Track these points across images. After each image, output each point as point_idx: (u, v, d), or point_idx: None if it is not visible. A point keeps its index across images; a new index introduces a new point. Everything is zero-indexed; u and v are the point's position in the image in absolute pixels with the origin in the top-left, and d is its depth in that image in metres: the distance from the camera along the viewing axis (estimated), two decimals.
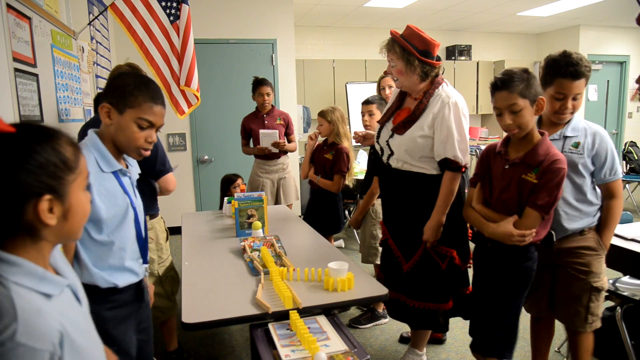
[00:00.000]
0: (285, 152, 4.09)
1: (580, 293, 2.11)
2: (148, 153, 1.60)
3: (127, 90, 1.50)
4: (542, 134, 1.91)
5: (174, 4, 3.29)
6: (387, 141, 2.35)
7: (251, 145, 4.14)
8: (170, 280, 2.73)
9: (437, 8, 6.69)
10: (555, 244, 2.11)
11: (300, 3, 6.07)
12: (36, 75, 2.42)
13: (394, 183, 2.39)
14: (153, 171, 2.38)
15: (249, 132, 4.07)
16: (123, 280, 1.61)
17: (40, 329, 0.81)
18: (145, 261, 1.75)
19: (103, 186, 1.51)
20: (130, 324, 1.67)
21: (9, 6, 2.09)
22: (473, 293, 2.20)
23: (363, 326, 3.23)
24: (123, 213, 1.58)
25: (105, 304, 1.57)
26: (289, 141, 4.10)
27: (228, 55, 5.56)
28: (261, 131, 3.90)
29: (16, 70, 2.14)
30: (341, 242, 5.16)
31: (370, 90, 6.35)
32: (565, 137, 2.08)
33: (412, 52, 2.17)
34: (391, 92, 3.54)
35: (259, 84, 3.92)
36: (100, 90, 3.33)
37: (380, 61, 8.33)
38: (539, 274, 2.05)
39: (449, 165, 2.20)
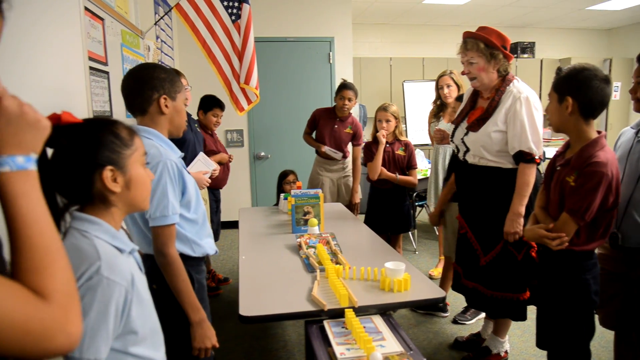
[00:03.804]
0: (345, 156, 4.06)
1: None
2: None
3: (171, 78, 1.72)
4: (598, 132, 1.81)
5: (236, 4, 3.37)
6: (462, 139, 2.45)
7: (313, 136, 4.09)
8: None
9: (499, 4, 6.47)
10: (632, 253, 1.94)
11: (358, 0, 6.05)
12: (107, 73, 2.54)
13: (471, 178, 2.49)
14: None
15: (316, 124, 4.00)
16: (213, 246, 1.87)
17: (118, 267, 1.00)
18: None
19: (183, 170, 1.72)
20: None
21: (85, 8, 2.21)
22: (538, 304, 2.13)
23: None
24: (196, 191, 1.78)
25: (202, 273, 1.85)
26: (355, 146, 4.00)
27: (286, 53, 5.62)
28: (326, 148, 3.87)
29: (90, 68, 2.26)
30: None
31: (428, 89, 6.24)
32: None
33: (496, 46, 2.30)
34: (450, 91, 3.50)
35: (343, 87, 3.82)
36: None
37: (438, 59, 8.10)
38: (610, 284, 1.94)
39: (524, 157, 2.27)
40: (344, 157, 3.99)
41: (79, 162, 1.01)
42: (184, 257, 1.67)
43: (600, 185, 1.71)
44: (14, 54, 1.53)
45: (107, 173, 1.03)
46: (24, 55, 1.61)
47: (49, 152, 0.98)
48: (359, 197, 3.97)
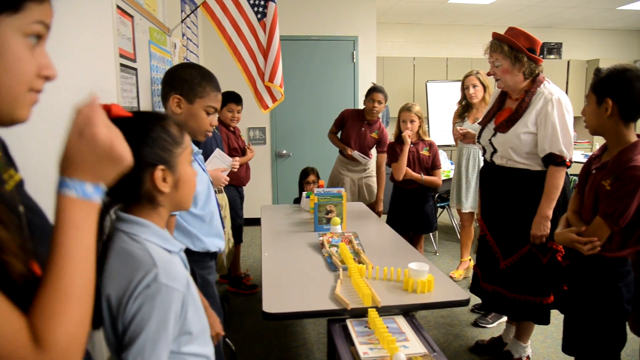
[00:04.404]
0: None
1: None
2: (211, 134, 1.83)
3: (195, 82, 1.69)
4: (638, 136, 1.77)
5: (262, 2, 3.38)
6: (490, 140, 2.42)
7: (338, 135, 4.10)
8: (227, 243, 3.06)
9: (526, 4, 6.37)
10: None
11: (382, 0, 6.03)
12: (135, 69, 2.58)
13: (497, 180, 2.45)
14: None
15: (344, 124, 4.00)
16: (218, 245, 1.85)
17: (174, 272, 0.97)
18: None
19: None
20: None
21: (117, 6, 2.25)
22: (565, 309, 2.10)
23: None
24: (207, 189, 1.77)
25: (208, 269, 1.85)
26: (379, 152, 4.01)
27: (309, 52, 5.63)
28: (356, 152, 3.89)
29: (120, 65, 2.30)
30: None
31: (452, 89, 6.18)
32: None
33: (521, 49, 2.26)
34: (475, 92, 3.46)
35: (374, 89, 3.82)
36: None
37: (463, 59, 8.00)
38: (638, 290, 1.89)
39: (554, 159, 2.25)
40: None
41: None
42: (185, 251, 1.66)
43: (637, 190, 1.67)
44: (51, 50, 1.56)
45: (159, 173, 0.99)
46: (60, 51, 1.65)
47: None
48: (382, 205, 3.95)
